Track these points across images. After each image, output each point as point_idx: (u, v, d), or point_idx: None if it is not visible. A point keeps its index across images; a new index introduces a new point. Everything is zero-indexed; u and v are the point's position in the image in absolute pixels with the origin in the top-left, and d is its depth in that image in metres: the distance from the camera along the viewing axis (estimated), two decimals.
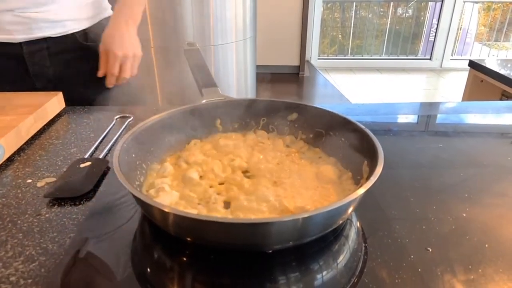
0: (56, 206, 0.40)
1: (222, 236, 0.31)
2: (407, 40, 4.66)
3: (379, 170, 0.34)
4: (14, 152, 0.51)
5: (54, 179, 0.45)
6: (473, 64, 1.41)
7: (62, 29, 0.74)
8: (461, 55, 4.30)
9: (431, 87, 3.79)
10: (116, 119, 0.62)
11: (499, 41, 4.38)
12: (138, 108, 0.67)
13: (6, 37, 0.70)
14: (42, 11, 0.70)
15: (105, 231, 0.36)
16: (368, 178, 0.33)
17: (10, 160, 0.49)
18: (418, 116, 0.74)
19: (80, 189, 0.42)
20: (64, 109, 0.67)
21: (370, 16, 5.00)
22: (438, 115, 0.74)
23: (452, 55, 4.25)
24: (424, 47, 4.52)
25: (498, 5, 4.21)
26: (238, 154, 0.47)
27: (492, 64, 1.39)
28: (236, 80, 2.49)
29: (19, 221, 0.38)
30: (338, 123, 0.47)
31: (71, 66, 0.77)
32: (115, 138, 0.55)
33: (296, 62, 3.68)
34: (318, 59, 4.37)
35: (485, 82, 1.39)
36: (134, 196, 0.32)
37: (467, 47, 4.54)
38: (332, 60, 4.47)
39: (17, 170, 0.47)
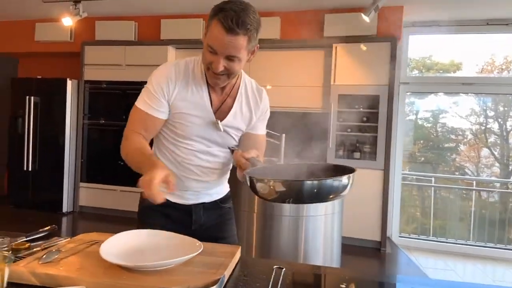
0: None
1: None
2: (495, 226, 4.58)
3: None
4: (229, 276, 0.86)
5: None
6: None
7: (212, 198, 1.33)
8: None
9: None
10: (275, 268, 0.96)
11: None
12: (288, 261, 1.01)
13: (184, 202, 1.29)
14: (206, 190, 1.30)
15: None
16: None
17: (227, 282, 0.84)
18: None
19: None
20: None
21: (451, 197, 5.10)
22: None
23: None
24: None
25: None
26: None
27: None
28: (323, 248, 2.74)
29: None
30: None
31: (214, 217, 1.34)
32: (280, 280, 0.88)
33: (377, 238, 3.85)
34: (399, 237, 4.47)
35: None
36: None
37: None
38: (413, 240, 4.52)
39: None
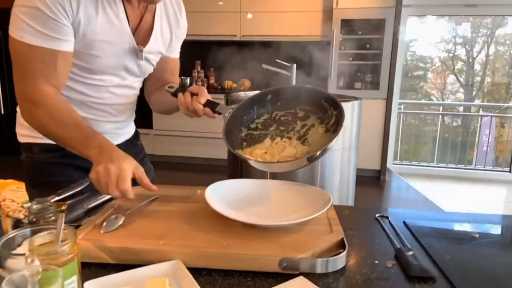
0: None
1: None
2: (458, 149, 4.82)
3: None
4: None
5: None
6: None
7: (124, 137, 1.14)
8: None
9: None
10: (377, 216, 0.81)
11: None
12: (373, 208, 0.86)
13: None
14: (121, 130, 1.11)
15: None
16: None
17: None
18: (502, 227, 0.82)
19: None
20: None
21: (416, 123, 5.25)
22: None
23: None
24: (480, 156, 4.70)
25: None
26: None
27: None
28: (339, 184, 2.67)
29: None
30: None
31: None
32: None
33: (377, 167, 3.87)
34: (393, 164, 4.54)
35: None
36: None
37: None
38: (406, 166, 4.62)
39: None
